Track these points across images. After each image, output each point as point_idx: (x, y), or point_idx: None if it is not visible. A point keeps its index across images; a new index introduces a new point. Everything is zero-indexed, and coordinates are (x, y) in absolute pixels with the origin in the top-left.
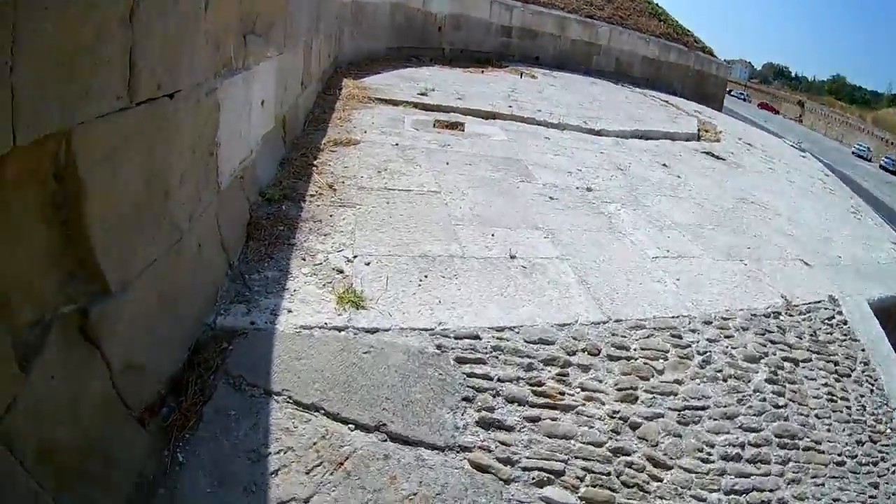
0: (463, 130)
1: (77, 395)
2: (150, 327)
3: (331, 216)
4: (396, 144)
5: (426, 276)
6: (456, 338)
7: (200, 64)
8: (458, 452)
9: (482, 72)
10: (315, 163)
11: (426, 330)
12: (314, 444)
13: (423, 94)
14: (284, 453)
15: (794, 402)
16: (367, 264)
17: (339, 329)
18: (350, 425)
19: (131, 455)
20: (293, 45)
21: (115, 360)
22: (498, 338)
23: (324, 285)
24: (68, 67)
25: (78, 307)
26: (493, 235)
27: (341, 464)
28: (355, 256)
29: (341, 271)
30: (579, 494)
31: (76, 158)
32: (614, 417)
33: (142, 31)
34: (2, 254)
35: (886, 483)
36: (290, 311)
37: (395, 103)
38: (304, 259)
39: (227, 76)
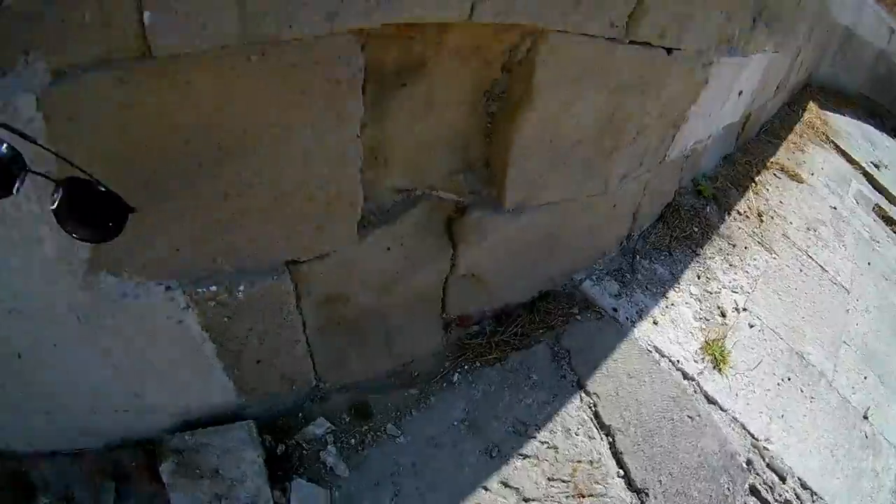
0: None
1: (400, 274)
2: (514, 254)
3: (745, 248)
4: (834, 208)
5: (788, 379)
6: (768, 466)
7: (708, 30)
8: None
9: None
10: (755, 178)
11: (752, 436)
12: (578, 461)
13: (875, 166)
14: (546, 447)
15: None
16: (751, 326)
17: (686, 376)
18: (621, 470)
19: (411, 347)
20: (787, 46)
21: (463, 265)
22: (796, 494)
23: (700, 318)
24: None
25: (458, 201)
26: (865, 378)
27: (583, 496)
28: (745, 309)
29: (724, 315)
30: None
31: (536, 63)
32: None
33: None
34: (406, 109)
35: None
36: (654, 323)
37: (848, 159)
38: (698, 276)
39: (724, 54)
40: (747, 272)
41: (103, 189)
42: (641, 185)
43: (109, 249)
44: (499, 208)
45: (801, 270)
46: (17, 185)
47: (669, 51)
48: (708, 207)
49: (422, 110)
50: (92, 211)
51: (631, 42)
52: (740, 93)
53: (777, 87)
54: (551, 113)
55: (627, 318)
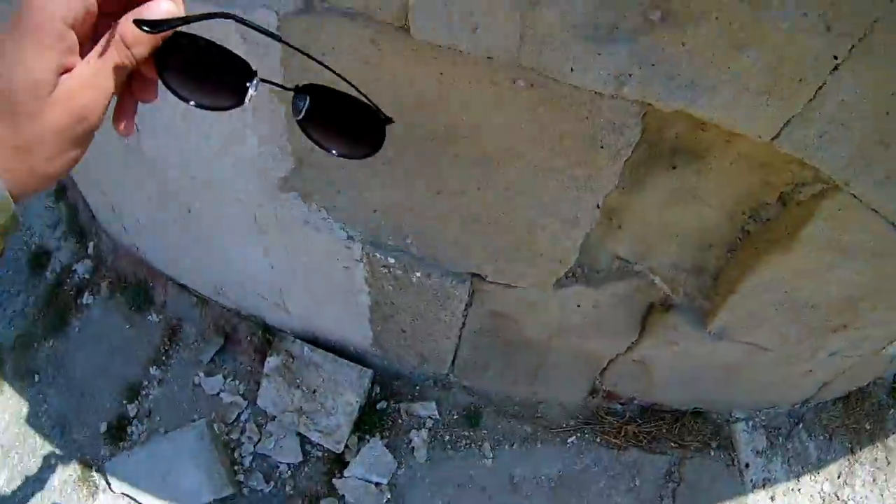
0: None
1: (577, 331)
2: (691, 367)
3: None
4: None
5: None
6: None
7: None
8: None
9: None
10: None
11: None
12: None
13: None
14: None
15: None
16: None
17: None
18: None
19: (551, 391)
20: None
21: (639, 352)
22: None
23: None
24: None
25: (669, 296)
26: None
27: None
28: None
29: None
30: None
31: (814, 215)
32: None
33: None
34: (664, 191)
35: None
36: (771, 499)
37: None
38: (839, 476)
39: None
40: (882, 496)
41: (362, 99)
42: (845, 364)
43: (309, 179)
44: (700, 325)
45: None
46: (249, 94)
47: None
48: (892, 411)
49: (680, 199)
50: (341, 123)
51: None
52: None
53: None
54: (802, 268)
55: (752, 481)
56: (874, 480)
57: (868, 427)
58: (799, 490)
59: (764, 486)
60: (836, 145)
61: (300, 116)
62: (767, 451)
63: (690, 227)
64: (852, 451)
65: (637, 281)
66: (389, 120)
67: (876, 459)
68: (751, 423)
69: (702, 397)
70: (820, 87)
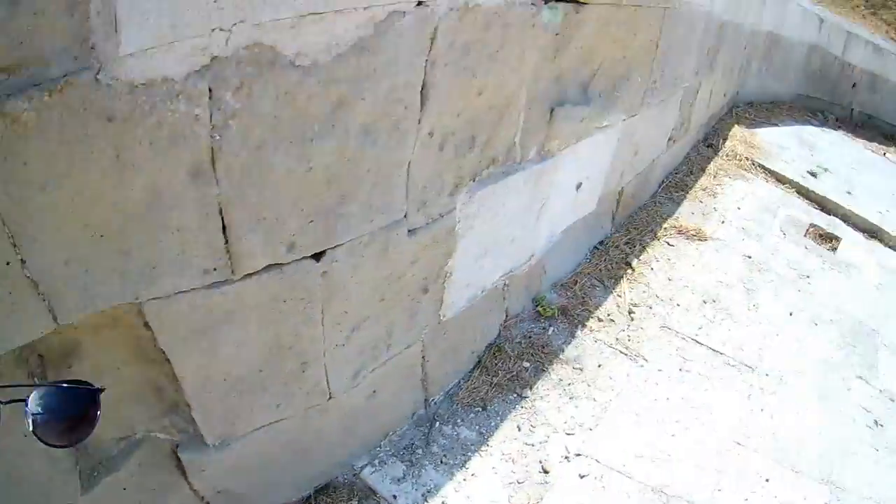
0: (835, 251)
1: None
2: (256, 469)
3: (599, 367)
4: (749, 257)
5: None
6: None
7: (412, 190)
8: None
9: (884, 153)
10: (633, 262)
11: None
12: None
13: (812, 175)
14: None
15: None
16: (581, 477)
17: None
18: None
19: None
20: (660, 97)
21: (201, 489)
22: None
23: (511, 483)
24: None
25: (171, 440)
26: (766, 481)
27: None
28: (578, 455)
29: (546, 472)
30: None
31: (152, 327)
32: None
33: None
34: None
35: None
36: None
37: (778, 179)
38: (519, 427)
39: (484, 184)
40: (595, 399)
41: (64, 385)
42: (413, 357)
43: None
44: (203, 447)
45: (680, 370)
46: None
47: (319, 256)
48: (551, 329)
49: (96, 381)
50: (68, 407)
51: (247, 276)
52: (578, 185)
53: (670, 139)
54: (198, 363)
55: None
56: (571, 397)
57: (527, 364)
58: (474, 475)
59: (426, 500)
60: None
61: (32, 428)
62: (411, 471)
63: (129, 390)
64: (522, 396)
65: (148, 443)
66: (102, 389)
67: (560, 380)
68: (377, 461)
69: (306, 478)
70: None
